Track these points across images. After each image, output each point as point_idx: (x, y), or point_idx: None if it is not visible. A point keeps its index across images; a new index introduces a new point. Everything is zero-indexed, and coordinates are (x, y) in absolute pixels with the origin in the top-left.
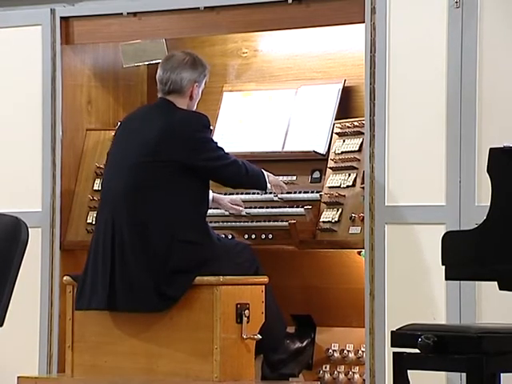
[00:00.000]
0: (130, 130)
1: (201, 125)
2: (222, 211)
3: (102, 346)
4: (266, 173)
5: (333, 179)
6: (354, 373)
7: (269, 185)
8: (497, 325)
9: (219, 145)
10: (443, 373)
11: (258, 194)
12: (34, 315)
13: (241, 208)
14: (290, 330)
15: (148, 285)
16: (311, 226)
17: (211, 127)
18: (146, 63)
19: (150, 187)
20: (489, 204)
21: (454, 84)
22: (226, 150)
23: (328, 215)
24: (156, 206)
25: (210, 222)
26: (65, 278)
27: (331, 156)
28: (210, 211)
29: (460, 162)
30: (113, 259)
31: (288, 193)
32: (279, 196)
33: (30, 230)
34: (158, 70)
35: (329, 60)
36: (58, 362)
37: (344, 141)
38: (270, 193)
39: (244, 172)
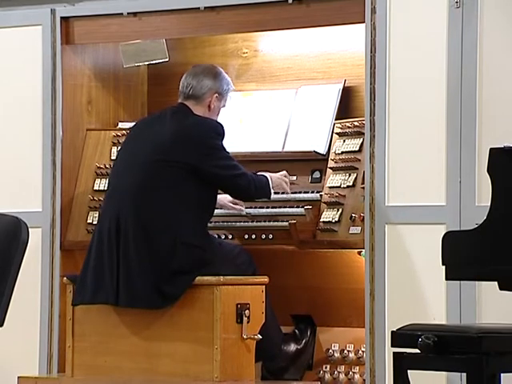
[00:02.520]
0: (143, 131)
1: (215, 132)
2: (222, 211)
3: (102, 346)
4: (269, 180)
5: (333, 179)
6: (354, 373)
7: (272, 191)
8: (497, 325)
9: (228, 152)
10: (443, 373)
11: None
12: (35, 315)
13: (242, 207)
14: (288, 330)
15: (149, 283)
16: (311, 226)
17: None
18: (147, 63)
19: (157, 187)
20: (489, 204)
21: (455, 84)
22: (227, 150)
23: (328, 215)
24: (161, 206)
25: (210, 221)
26: (64, 279)
27: (331, 156)
28: None
29: (460, 162)
30: (117, 256)
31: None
32: (279, 196)
33: (30, 230)
34: (183, 77)
35: (329, 60)
36: (59, 361)
37: (344, 141)
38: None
39: (253, 186)
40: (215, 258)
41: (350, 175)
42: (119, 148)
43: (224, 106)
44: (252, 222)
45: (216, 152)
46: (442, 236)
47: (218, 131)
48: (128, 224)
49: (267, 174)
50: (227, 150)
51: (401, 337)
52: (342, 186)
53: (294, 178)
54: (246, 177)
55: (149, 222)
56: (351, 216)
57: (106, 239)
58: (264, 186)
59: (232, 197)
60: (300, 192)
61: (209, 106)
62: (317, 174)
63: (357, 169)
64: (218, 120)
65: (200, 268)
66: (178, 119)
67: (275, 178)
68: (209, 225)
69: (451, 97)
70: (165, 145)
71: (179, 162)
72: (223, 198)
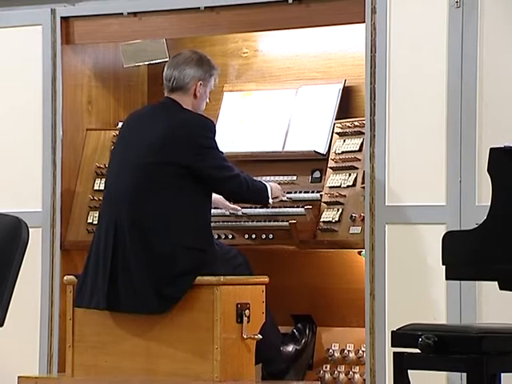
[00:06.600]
0: (133, 130)
1: (205, 129)
2: (222, 211)
3: (102, 346)
4: (269, 188)
5: (333, 179)
6: (354, 373)
7: (270, 200)
8: (497, 325)
9: (222, 152)
10: (444, 373)
11: None
12: (35, 315)
13: (238, 207)
14: (289, 330)
15: (149, 287)
16: (312, 226)
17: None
18: (147, 63)
19: (153, 189)
20: (489, 204)
21: (455, 84)
22: (227, 150)
23: (328, 215)
24: (159, 208)
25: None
26: (67, 277)
27: (331, 156)
28: None
29: (460, 162)
30: (115, 260)
31: (288, 193)
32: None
33: (30, 229)
34: (165, 68)
35: (329, 60)
36: (59, 361)
37: (344, 141)
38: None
39: (245, 188)
40: (214, 258)
41: (350, 175)
42: (112, 148)
43: (211, 89)
44: (252, 221)
45: (209, 151)
46: (442, 236)
47: (210, 129)
48: (125, 227)
49: (268, 184)
50: (227, 150)
51: (401, 337)
52: (342, 185)
53: (295, 177)
54: (239, 178)
55: (147, 226)
56: (351, 216)
57: (103, 243)
58: (259, 191)
59: (225, 198)
60: (300, 192)
61: (194, 95)
62: (317, 174)
63: (357, 168)
64: (209, 117)
65: (200, 268)
66: (168, 116)
67: (275, 187)
68: (211, 228)
69: (451, 96)
70: (156, 146)
71: (172, 162)
72: (219, 197)
